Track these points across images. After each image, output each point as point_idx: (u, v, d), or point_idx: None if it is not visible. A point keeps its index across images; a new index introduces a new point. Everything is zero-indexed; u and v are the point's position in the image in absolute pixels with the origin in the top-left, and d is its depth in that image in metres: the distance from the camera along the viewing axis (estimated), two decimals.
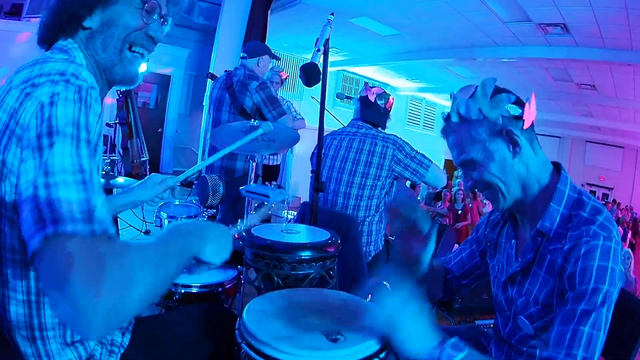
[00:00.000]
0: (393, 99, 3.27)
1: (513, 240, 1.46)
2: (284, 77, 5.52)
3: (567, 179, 1.34)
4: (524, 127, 1.32)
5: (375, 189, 2.91)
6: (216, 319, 1.51)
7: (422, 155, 2.97)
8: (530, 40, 7.92)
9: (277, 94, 3.57)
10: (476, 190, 1.44)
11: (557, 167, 1.40)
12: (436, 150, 17.02)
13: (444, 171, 3.18)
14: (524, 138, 1.32)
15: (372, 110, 3.14)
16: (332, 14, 2.43)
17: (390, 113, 3.24)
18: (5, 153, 0.91)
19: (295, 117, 5.48)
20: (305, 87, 2.29)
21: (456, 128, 1.38)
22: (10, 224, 0.96)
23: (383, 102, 3.15)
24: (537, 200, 1.35)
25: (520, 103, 1.33)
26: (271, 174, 5.94)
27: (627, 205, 16.74)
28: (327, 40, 2.32)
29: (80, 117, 0.92)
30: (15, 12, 7.85)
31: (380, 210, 3.00)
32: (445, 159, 17.96)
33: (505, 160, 1.32)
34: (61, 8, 1.16)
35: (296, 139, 2.64)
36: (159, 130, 10.84)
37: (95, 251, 0.80)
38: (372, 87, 3.21)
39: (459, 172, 16.11)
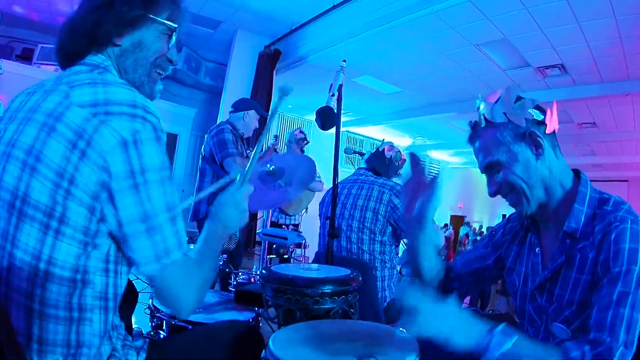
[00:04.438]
0: (405, 157, 3.34)
1: (537, 249, 1.47)
2: (297, 132, 5.56)
3: (588, 182, 1.40)
4: (547, 132, 1.39)
5: (374, 233, 2.94)
6: (242, 337, 1.48)
7: None
8: (530, 85, 8.03)
9: (235, 142, 3.74)
10: (500, 195, 1.46)
11: (576, 172, 1.45)
12: (442, 207, 17.03)
13: (442, 231, 3.20)
14: (547, 142, 1.38)
15: (378, 159, 3.25)
16: (344, 60, 2.50)
17: (397, 167, 3.30)
18: (77, 173, 1.00)
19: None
20: (321, 130, 2.34)
21: (482, 133, 1.43)
22: (70, 241, 1.03)
23: (392, 154, 3.23)
24: (560, 204, 1.40)
25: (541, 109, 1.41)
26: None
27: None
28: (340, 86, 2.39)
29: (162, 156, 1.09)
30: (26, 56, 8.07)
31: (391, 255, 3.00)
32: (451, 215, 17.95)
33: (529, 162, 1.37)
34: (101, 19, 1.20)
35: (312, 173, 2.63)
36: None
37: (189, 271, 1.15)
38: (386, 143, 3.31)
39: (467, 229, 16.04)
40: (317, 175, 5.63)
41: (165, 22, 1.27)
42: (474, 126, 1.47)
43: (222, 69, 9.69)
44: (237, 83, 8.49)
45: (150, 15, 1.24)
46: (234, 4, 7.27)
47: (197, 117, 11.26)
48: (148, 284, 1.47)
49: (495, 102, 1.41)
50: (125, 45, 1.24)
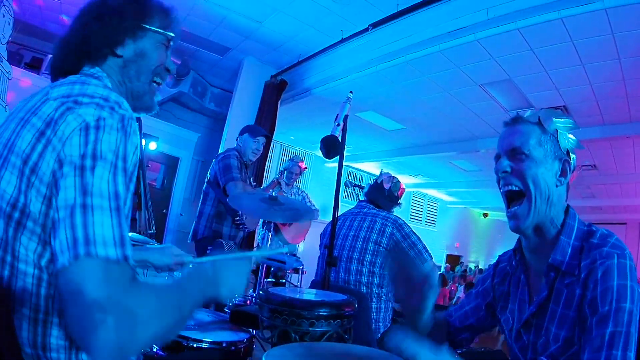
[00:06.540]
0: (404, 186, 3.40)
1: (525, 287, 1.46)
2: (303, 167, 5.73)
3: (575, 215, 1.40)
4: (570, 172, 1.43)
5: (374, 265, 2.95)
6: None
7: (424, 247, 3.03)
8: None
9: (239, 168, 3.98)
10: (503, 181, 1.45)
11: (566, 207, 1.45)
12: (438, 246, 17.02)
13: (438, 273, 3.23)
14: (567, 179, 1.42)
15: (377, 192, 3.31)
16: (351, 92, 2.56)
17: (399, 200, 3.35)
18: (40, 161, 0.95)
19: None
20: (325, 158, 2.38)
21: (530, 126, 1.43)
22: (29, 235, 0.95)
23: (390, 185, 3.28)
24: (553, 237, 1.39)
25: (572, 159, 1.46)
26: None
27: None
28: (346, 116, 2.44)
29: (120, 147, 0.98)
30: (35, 65, 8.04)
31: (388, 288, 3.01)
32: (447, 254, 17.91)
33: (550, 177, 1.39)
34: (91, 34, 1.23)
35: (312, 213, 2.69)
36: (164, 211, 10.83)
37: (122, 280, 0.89)
38: (385, 174, 3.37)
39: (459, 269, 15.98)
40: (312, 204, 5.74)
41: (160, 30, 1.31)
42: (525, 117, 1.47)
43: (227, 95, 9.76)
44: (242, 111, 8.52)
45: (144, 25, 1.28)
46: (244, 32, 7.37)
47: (200, 142, 11.24)
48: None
49: (555, 118, 1.45)
50: (128, 55, 1.28)
